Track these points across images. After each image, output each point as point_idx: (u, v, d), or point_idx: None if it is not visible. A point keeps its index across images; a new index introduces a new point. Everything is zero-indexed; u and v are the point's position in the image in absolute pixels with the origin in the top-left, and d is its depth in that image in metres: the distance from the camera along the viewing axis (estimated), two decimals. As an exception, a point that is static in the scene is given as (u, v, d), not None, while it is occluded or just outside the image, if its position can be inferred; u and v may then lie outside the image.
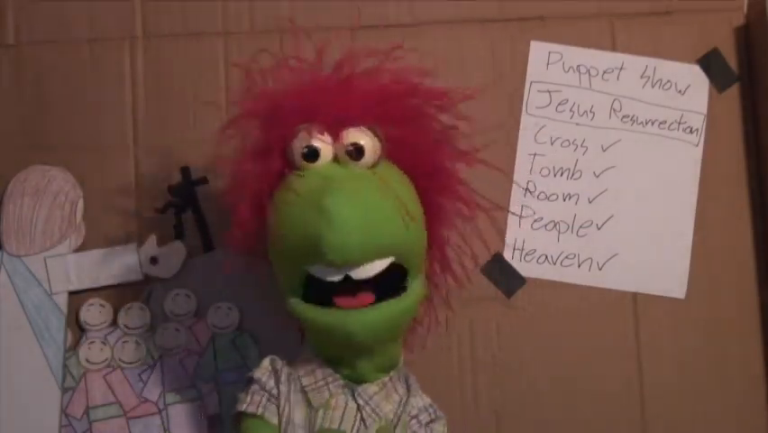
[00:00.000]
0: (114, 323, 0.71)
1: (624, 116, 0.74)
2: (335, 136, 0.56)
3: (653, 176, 0.74)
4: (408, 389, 0.60)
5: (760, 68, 0.73)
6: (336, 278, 0.54)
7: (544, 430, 0.71)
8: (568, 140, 0.74)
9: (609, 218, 0.73)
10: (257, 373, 0.60)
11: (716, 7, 0.75)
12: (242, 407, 0.59)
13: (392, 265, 0.55)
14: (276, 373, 0.60)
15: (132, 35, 0.74)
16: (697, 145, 0.74)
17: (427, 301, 0.65)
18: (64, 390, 0.70)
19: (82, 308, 0.71)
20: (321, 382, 0.58)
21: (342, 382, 0.58)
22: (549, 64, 0.74)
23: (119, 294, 0.71)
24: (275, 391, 0.59)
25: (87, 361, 0.70)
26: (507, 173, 0.67)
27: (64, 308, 0.71)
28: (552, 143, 0.74)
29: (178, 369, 0.70)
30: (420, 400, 0.60)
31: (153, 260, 0.71)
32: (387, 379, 0.59)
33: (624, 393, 0.71)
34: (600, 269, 0.73)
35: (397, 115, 0.57)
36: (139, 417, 0.70)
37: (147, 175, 0.73)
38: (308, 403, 0.58)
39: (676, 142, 0.74)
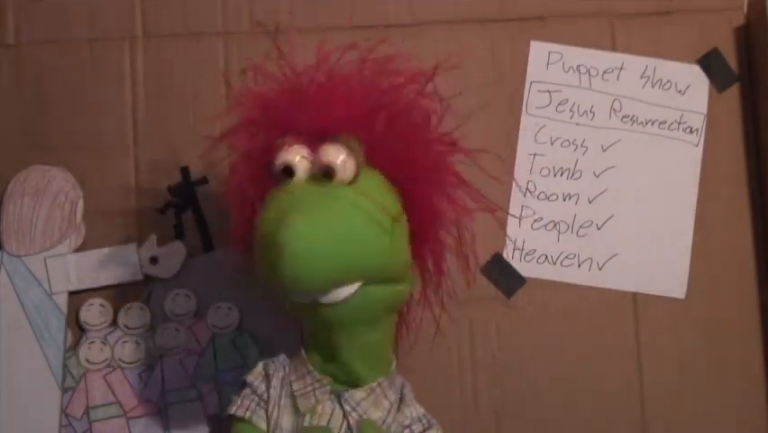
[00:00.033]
0: (114, 323, 0.71)
1: (624, 116, 0.74)
2: (314, 150, 0.54)
3: (653, 176, 0.74)
4: (402, 398, 0.60)
5: (760, 68, 0.73)
6: (305, 301, 0.54)
7: (544, 430, 0.71)
8: (568, 140, 0.74)
9: (609, 218, 0.73)
10: (249, 377, 0.60)
11: (716, 7, 0.75)
12: (232, 410, 0.59)
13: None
14: (268, 377, 0.60)
15: (132, 35, 0.74)
16: (697, 145, 0.74)
17: (424, 302, 0.65)
18: (64, 390, 0.70)
19: (82, 308, 0.71)
20: (309, 388, 0.58)
21: (329, 388, 0.58)
22: (549, 64, 0.74)
23: (119, 294, 0.71)
24: (265, 396, 0.59)
25: (87, 361, 0.70)
26: (498, 178, 0.66)
27: (64, 308, 0.71)
28: (552, 143, 0.74)
29: (178, 369, 0.70)
30: (414, 411, 0.59)
31: (153, 260, 0.71)
32: (375, 384, 0.58)
33: (624, 393, 0.71)
34: (600, 269, 0.73)
35: (380, 121, 0.55)
36: (139, 417, 0.70)
37: (147, 175, 0.73)
38: (296, 409, 0.58)
39: (676, 142, 0.74)
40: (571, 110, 0.74)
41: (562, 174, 0.74)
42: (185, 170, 0.73)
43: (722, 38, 0.75)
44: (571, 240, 0.73)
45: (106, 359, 0.71)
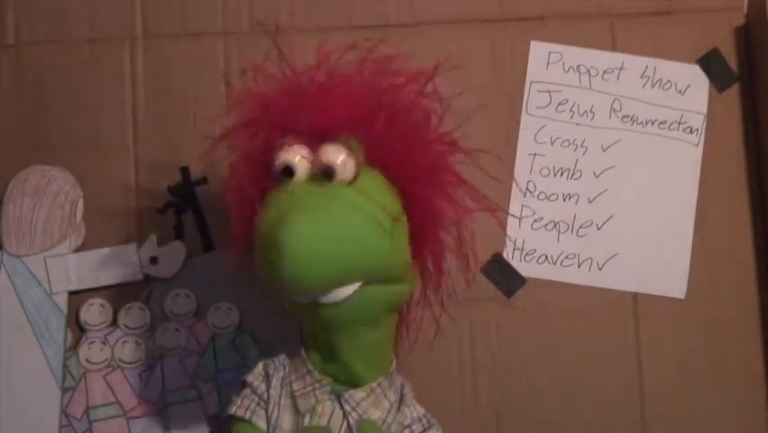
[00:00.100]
0: (114, 323, 0.71)
1: (624, 116, 0.74)
2: (314, 150, 0.54)
3: (653, 176, 0.74)
4: (402, 398, 0.59)
5: (760, 68, 0.73)
6: (305, 301, 0.54)
7: (544, 430, 0.71)
8: (568, 140, 0.74)
9: (609, 218, 0.73)
10: (249, 377, 0.60)
11: (716, 7, 0.75)
12: (232, 410, 0.59)
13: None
14: (268, 377, 0.60)
15: (132, 35, 0.74)
16: (697, 145, 0.74)
17: (424, 302, 0.65)
18: (64, 390, 0.70)
19: (82, 308, 0.71)
20: (309, 388, 0.58)
21: (328, 388, 0.58)
22: (549, 64, 0.74)
23: (119, 294, 0.71)
24: (265, 396, 0.59)
25: (87, 361, 0.70)
26: (499, 178, 0.66)
27: (64, 308, 0.71)
28: (552, 143, 0.74)
29: (178, 369, 0.70)
30: (414, 411, 0.59)
31: (153, 260, 0.71)
32: (375, 385, 0.58)
33: (624, 393, 0.71)
34: (600, 269, 0.73)
35: (379, 121, 0.55)
36: (139, 417, 0.70)
37: (147, 175, 0.73)
38: (296, 408, 0.58)
39: (676, 142, 0.74)
40: (571, 110, 0.74)
41: (562, 174, 0.74)
42: (185, 170, 0.73)
43: (722, 38, 0.75)
44: (571, 240, 0.73)
45: (106, 359, 0.71)
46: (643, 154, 0.74)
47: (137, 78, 0.74)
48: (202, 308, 0.71)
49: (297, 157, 0.54)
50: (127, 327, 0.71)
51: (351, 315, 0.55)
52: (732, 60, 0.74)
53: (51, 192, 0.72)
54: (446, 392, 0.70)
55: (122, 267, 0.71)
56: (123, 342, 0.71)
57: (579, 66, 0.74)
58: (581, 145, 0.74)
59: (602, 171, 0.74)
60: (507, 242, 0.73)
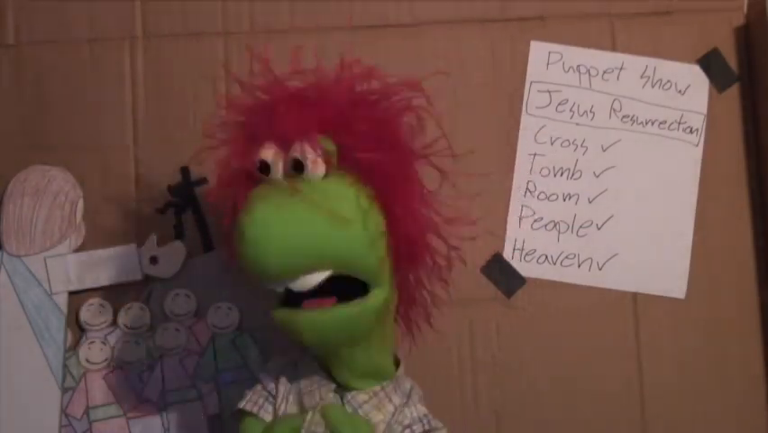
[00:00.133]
0: (114, 323, 0.71)
1: (624, 116, 0.74)
2: (287, 149, 0.55)
3: (653, 176, 0.74)
4: (407, 400, 0.60)
5: (760, 68, 0.73)
6: (279, 289, 0.55)
7: (544, 430, 0.71)
8: (568, 140, 0.74)
9: (609, 218, 0.73)
10: (262, 373, 0.61)
11: (716, 7, 0.75)
12: (242, 404, 0.60)
13: (348, 277, 0.55)
14: (279, 373, 0.60)
15: (132, 35, 0.74)
16: (697, 145, 0.74)
17: (422, 303, 0.64)
18: (64, 390, 0.70)
19: (82, 308, 0.71)
20: (315, 386, 0.59)
21: (333, 387, 0.58)
22: (549, 64, 0.74)
23: (119, 294, 0.71)
24: (274, 392, 0.60)
25: (87, 361, 0.70)
26: (497, 179, 0.66)
27: (64, 308, 0.71)
28: (552, 143, 0.74)
29: (178, 369, 0.71)
30: (414, 411, 0.59)
31: (153, 260, 0.71)
32: (378, 388, 0.59)
33: (624, 393, 0.71)
34: (600, 269, 0.73)
35: (350, 125, 0.56)
36: (139, 417, 0.70)
37: (147, 175, 0.73)
38: (301, 405, 0.58)
39: (676, 142, 0.74)
40: (571, 110, 0.74)
41: (562, 174, 0.74)
42: (185, 170, 0.73)
43: (722, 38, 0.75)
44: (571, 240, 0.73)
45: (106, 359, 0.71)
46: (643, 154, 0.74)
47: (137, 78, 0.74)
48: (202, 308, 0.71)
49: (271, 153, 0.55)
50: (127, 326, 0.71)
51: (328, 339, 0.56)
52: (732, 60, 0.74)
53: (51, 192, 0.72)
54: (446, 392, 0.70)
55: (122, 267, 0.71)
56: (123, 342, 0.71)
57: (579, 66, 0.74)
58: (581, 145, 0.74)
59: (602, 171, 0.74)
60: (507, 242, 0.73)
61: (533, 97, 0.74)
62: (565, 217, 0.73)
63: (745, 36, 0.75)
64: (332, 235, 0.53)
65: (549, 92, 0.74)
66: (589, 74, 0.74)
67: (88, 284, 0.71)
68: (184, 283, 0.71)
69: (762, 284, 0.73)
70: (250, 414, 0.59)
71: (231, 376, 0.70)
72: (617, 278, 0.73)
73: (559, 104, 0.74)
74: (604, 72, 0.74)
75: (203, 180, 0.72)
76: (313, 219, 0.53)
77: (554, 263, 0.73)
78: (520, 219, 0.73)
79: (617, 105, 0.74)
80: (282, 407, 0.59)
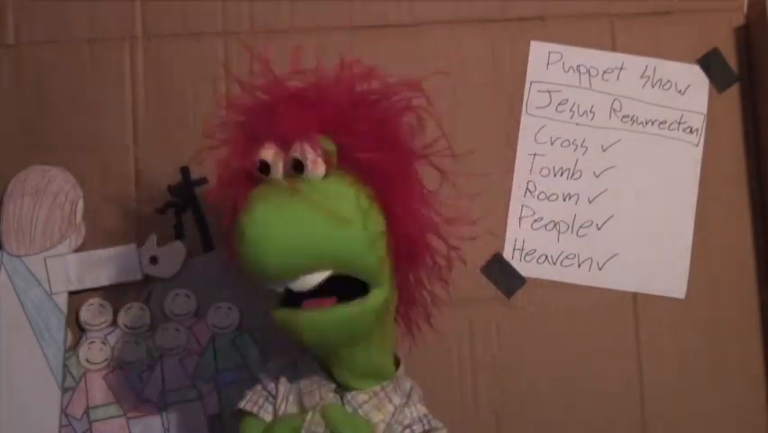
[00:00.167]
0: (114, 323, 0.71)
1: (624, 116, 0.74)
2: (287, 149, 0.55)
3: (653, 176, 0.74)
4: (408, 400, 0.60)
5: (760, 68, 0.73)
6: (279, 289, 0.55)
7: (544, 430, 0.71)
8: (568, 140, 0.74)
9: (609, 218, 0.73)
10: (262, 373, 0.61)
11: (716, 7, 0.75)
12: (242, 404, 0.60)
13: (348, 277, 0.55)
14: (279, 373, 0.60)
15: (132, 35, 0.74)
16: (697, 145, 0.74)
17: (422, 303, 0.64)
18: (64, 390, 0.70)
19: (82, 308, 0.71)
20: (315, 386, 0.59)
21: (333, 387, 0.59)
22: (549, 64, 0.74)
23: (119, 294, 0.71)
24: (274, 391, 0.60)
25: (87, 361, 0.70)
26: (498, 179, 0.67)
27: (64, 308, 0.71)
28: (552, 143, 0.74)
29: (178, 369, 0.71)
30: (414, 411, 0.59)
31: (153, 260, 0.71)
32: (378, 388, 0.59)
33: (624, 393, 0.71)
34: (600, 269, 0.73)
35: (350, 125, 0.56)
36: (139, 417, 0.70)
37: (147, 175, 0.73)
38: (301, 405, 0.58)
39: (676, 142, 0.74)
40: (571, 110, 0.74)
41: (562, 174, 0.74)
42: (185, 170, 0.73)
43: (722, 38, 0.75)
44: (571, 240, 0.73)
45: (106, 359, 0.71)
46: (643, 154, 0.74)
47: (137, 78, 0.74)
48: (202, 308, 0.71)
49: (271, 153, 0.55)
50: (127, 326, 0.71)
51: (328, 338, 0.56)
52: (732, 60, 0.74)
53: (51, 192, 0.72)
54: (446, 392, 0.70)
55: (122, 267, 0.71)
56: (123, 342, 0.71)
57: (579, 66, 0.74)
58: (581, 145, 0.74)
59: (602, 171, 0.74)
60: (507, 242, 0.73)
61: (533, 97, 0.74)
62: (565, 217, 0.73)
63: (745, 36, 0.75)
64: (332, 235, 0.53)
65: (549, 92, 0.74)
66: (589, 74, 0.74)
67: (88, 284, 0.71)
68: (184, 283, 0.71)
69: (762, 284, 0.73)
70: (250, 414, 0.59)
71: (231, 376, 0.70)
72: (617, 278, 0.73)
73: (559, 104, 0.74)
74: (604, 72, 0.74)
75: (203, 180, 0.72)
76: (313, 219, 0.53)
77: (554, 263, 0.73)
78: (520, 219, 0.73)
79: (616, 105, 0.74)
80: (282, 407, 0.59)
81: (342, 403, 0.58)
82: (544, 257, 0.73)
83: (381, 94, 0.57)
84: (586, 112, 0.74)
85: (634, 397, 0.71)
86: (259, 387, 0.60)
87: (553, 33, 0.74)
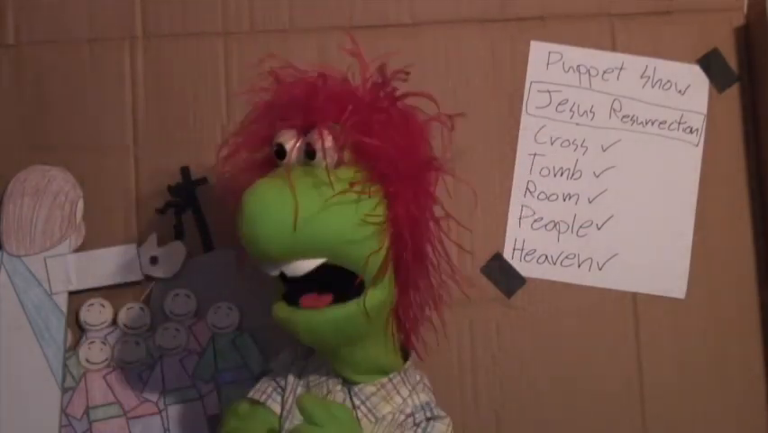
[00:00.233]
0: (114, 323, 0.71)
1: (624, 116, 0.74)
2: (303, 136, 0.57)
3: (653, 176, 0.74)
4: (412, 390, 0.60)
5: (760, 68, 0.73)
6: (274, 273, 0.55)
7: (544, 430, 0.71)
8: (568, 140, 0.74)
9: (609, 218, 0.73)
10: (273, 364, 0.63)
11: (716, 7, 0.75)
12: (250, 393, 0.61)
13: (345, 270, 0.55)
14: (289, 364, 0.62)
15: (132, 35, 0.74)
16: (697, 145, 0.74)
17: (422, 303, 0.64)
18: (64, 390, 0.70)
19: (82, 308, 0.71)
20: (323, 378, 0.59)
21: (341, 379, 0.59)
22: (549, 64, 0.74)
23: (119, 294, 0.71)
24: (283, 382, 0.60)
25: (87, 361, 0.70)
26: (473, 187, 0.67)
27: (64, 308, 0.71)
28: (552, 143, 0.74)
29: (178, 369, 0.71)
30: (417, 399, 0.59)
31: (153, 260, 0.71)
32: (386, 380, 0.59)
33: (624, 393, 0.71)
34: (600, 269, 0.73)
35: (369, 121, 0.57)
36: (139, 417, 0.70)
37: (147, 175, 0.73)
38: None
39: (676, 142, 0.74)
40: (571, 110, 0.74)
41: (562, 174, 0.74)
42: (185, 170, 0.73)
43: (722, 38, 0.75)
44: (571, 240, 0.73)
45: (106, 359, 0.71)
46: (643, 154, 0.74)
47: (137, 78, 0.74)
48: (202, 308, 0.71)
49: (286, 138, 0.57)
50: (127, 326, 0.71)
51: (323, 338, 0.56)
52: (732, 60, 0.74)
53: (51, 192, 0.72)
54: (446, 392, 0.70)
55: (122, 267, 0.71)
56: (123, 342, 0.71)
57: (579, 66, 0.74)
58: (581, 145, 0.74)
59: (602, 171, 0.74)
60: (507, 242, 0.73)
61: (533, 97, 0.74)
62: (565, 217, 0.73)
63: (745, 36, 0.75)
64: (324, 219, 0.53)
65: (549, 92, 0.74)
66: (589, 74, 0.74)
67: (88, 284, 0.71)
68: (184, 283, 0.71)
69: (762, 284, 0.73)
70: (257, 403, 0.60)
71: (231, 376, 0.70)
72: (617, 278, 0.73)
73: (559, 104, 0.74)
74: (604, 72, 0.74)
75: (203, 180, 0.72)
76: (310, 202, 0.53)
77: (554, 263, 0.73)
78: (520, 219, 0.73)
79: (617, 105, 0.74)
80: (290, 398, 0.59)
81: (350, 397, 0.58)
82: (543, 257, 0.73)
83: (403, 96, 0.58)
84: (586, 112, 0.74)
85: (634, 397, 0.71)
86: (268, 377, 0.61)
87: (553, 33, 0.74)
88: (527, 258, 0.73)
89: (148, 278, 0.71)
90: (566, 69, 0.74)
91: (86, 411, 0.70)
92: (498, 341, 0.72)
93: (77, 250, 0.71)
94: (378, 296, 0.56)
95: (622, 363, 0.72)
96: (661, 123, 0.74)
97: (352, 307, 0.55)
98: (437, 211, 0.60)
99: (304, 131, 0.57)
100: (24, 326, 0.70)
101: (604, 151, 0.74)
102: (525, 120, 0.74)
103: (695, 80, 0.74)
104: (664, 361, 0.72)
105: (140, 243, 0.72)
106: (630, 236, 0.73)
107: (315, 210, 0.53)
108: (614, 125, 0.74)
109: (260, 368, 0.70)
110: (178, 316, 0.71)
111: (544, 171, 0.74)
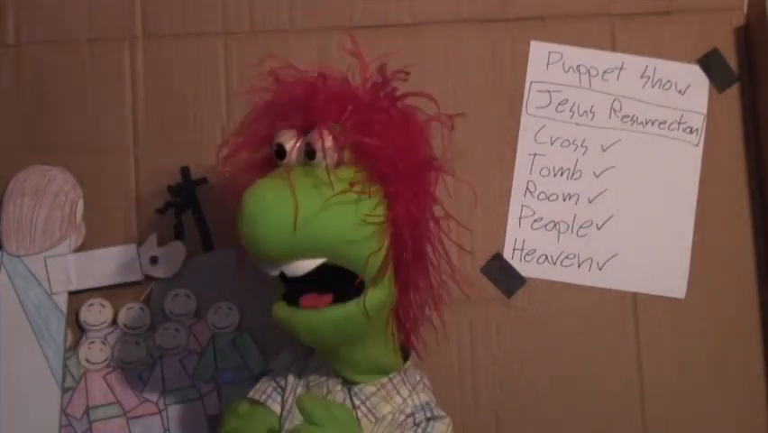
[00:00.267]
0: (114, 323, 0.71)
1: (624, 116, 0.74)
2: (304, 136, 0.57)
3: (653, 176, 0.74)
4: (412, 389, 0.60)
5: (760, 68, 0.73)
6: (273, 273, 0.55)
7: (544, 430, 0.71)
8: (568, 140, 0.74)
9: (609, 218, 0.73)
10: (273, 364, 0.63)
11: (716, 7, 0.75)
12: (250, 393, 0.61)
13: (345, 270, 0.55)
14: (289, 364, 0.62)
15: (132, 35, 0.74)
16: (697, 145, 0.74)
17: (422, 303, 0.64)
18: (64, 390, 0.70)
19: (82, 308, 0.71)
20: (323, 378, 0.59)
21: (341, 379, 0.59)
22: (549, 64, 0.74)
23: (119, 294, 0.71)
24: (283, 382, 0.60)
25: (87, 361, 0.70)
26: (473, 187, 0.67)
27: (64, 308, 0.71)
28: (552, 143, 0.74)
29: (178, 369, 0.71)
30: (417, 399, 0.59)
31: (153, 260, 0.71)
32: (386, 380, 0.59)
33: (624, 393, 0.71)
34: (600, 269, 0.73)
35: (369, 122, 0.57)
36: (139, 417, 0.70)
37: (147, 175, 0.73)
38: None
39: (676, 142, 0.74)
40: (571, 110, 0.74)
41: (562, 174, 0.74)
42: (185, 170, 0.73)
43: (722, 38, 0.75)
44: (571, 240, 0.73)
45: (106, 359, 0.71)
46: (643, 154, 0.74)
47: (137, 78, 0.74)
48: (202, 308, 0.71)
49: (286, 138, 0.57)
50: (127, 326, 0.71)
51: (323, 338, 0.56)
52: (732, 60, 0.74)
53: (51, 192, 0.72)
54: (446, 392, 0.70)
55: (122, 267, 0.71)
56: (123, 342, 0.71)
57: (579, 66, 0.74)
58: (581, 145, 0.74)
59: (602, 171, 0.74)
60: (507, 242, 0.73)
61: (533, 97, 0.74)
62: (565, 217, 0.73)
63: (745, 36, 0.75)
64: (324, 219, 0.54)
65: (549, 92, 0.74)
66: (589, 74, 0.74)
67: (88, 284, 0.71)
68: (184, 283, 0.71)
69: (762, 284, 0.73)
70: (257, 403, 0.60)
71: (231, 376, 0.70)
72: (617, 278, 0.73)
73: (559, 104, 0.74)
74: (604, 72, 0.74)
75: (203, 180, 0.72)
76: (310, 202, 0.53)
77: (554, 263, 0.73)
78: (520, 219, 0.73)
79: (617, 105, 0.74)
80: (290, 398, 0.59)
81: (350, 397, 0.58)
82: (543, 257, 0.73)
83: (403, 96, 0.58)
84: (586, 112, 0.74)
85: (634, 397, 0.71)
86: (268, 377, 0.61)
87: (553, 33, 0.74)
88: (527, 258, 0.73)
89: (148, 278, 0.71)
90: (566, 69, 0.74)
91: (86, 411, 0.70)
92: (498, 341, 0.72)
93: (77, 250, 0.71)
94: (378, 296, 0.56)
95: (622, 363, 0.72)
96: (661, 123, 0.74)
97: (351, 307, 0.55)
98: (437, 211, 0.60)
99: (304, 131, 0.57)
100: (24, 326, 0.70)
101: (604, 151, 0.74)
102: (525, 120, 0.74)
103: (695, 80, 0.74)
104: (664, 361, 0.72)
105: (140, 243, 0.72)
106: (630, 236, 0.73)
107: (315, 210, 0.53)
108: (614, 125, 0.74)
109: (260, 368, 0.70)
110: (178, 316, 0.71)
111: (544, 171, 0.74)
